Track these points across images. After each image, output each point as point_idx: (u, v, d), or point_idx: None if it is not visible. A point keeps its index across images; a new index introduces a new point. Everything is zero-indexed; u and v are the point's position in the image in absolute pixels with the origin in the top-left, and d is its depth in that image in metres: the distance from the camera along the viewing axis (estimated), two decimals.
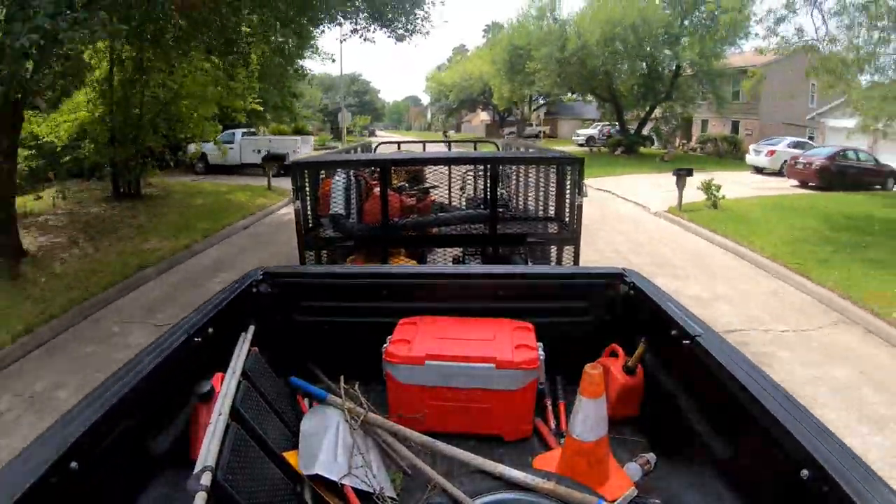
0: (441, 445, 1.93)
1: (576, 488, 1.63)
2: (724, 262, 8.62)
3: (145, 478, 1.69)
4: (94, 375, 4.44)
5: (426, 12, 13.08)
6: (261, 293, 2.53)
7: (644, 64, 23.62)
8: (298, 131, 21.17)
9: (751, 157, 20.87)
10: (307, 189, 4.26)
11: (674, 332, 2.02)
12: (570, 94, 31.20)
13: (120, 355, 4.69)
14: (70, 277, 7.02)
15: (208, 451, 1.52)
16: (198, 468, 1.46)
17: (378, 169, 4.29)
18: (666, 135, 28.11)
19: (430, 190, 5.00)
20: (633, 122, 27.68)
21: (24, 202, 9.93)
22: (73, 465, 1.34)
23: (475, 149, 9.35)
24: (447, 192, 5.31)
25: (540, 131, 38.09)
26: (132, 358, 1.78)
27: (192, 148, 15.07)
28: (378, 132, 46.98)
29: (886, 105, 10.67)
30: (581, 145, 26.27)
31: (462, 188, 5.72)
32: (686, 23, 20.19)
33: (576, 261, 4.16)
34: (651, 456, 1.99)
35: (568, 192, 4.27)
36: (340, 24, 13.48)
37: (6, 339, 5.18)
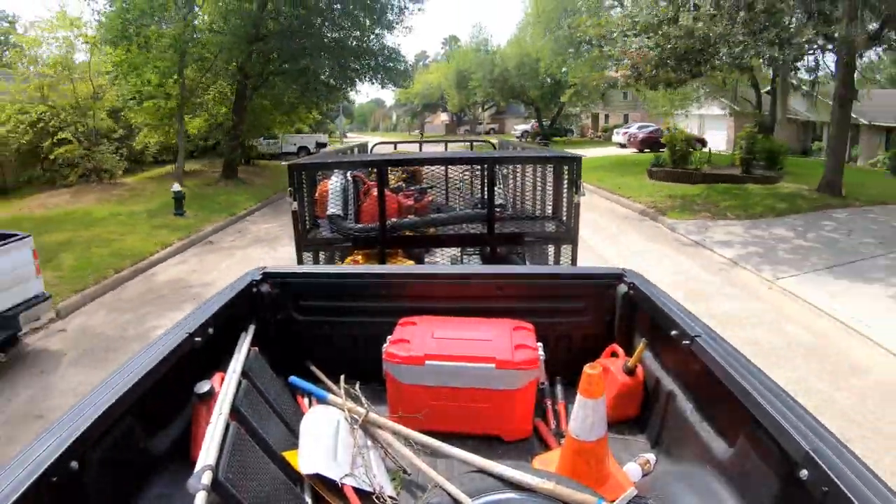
0: (441, 445, 1.93)
1: (576, 488, 1.64)
2: None
3: (146, 477, 1.68)
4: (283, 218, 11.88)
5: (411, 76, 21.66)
6: (261, 293, 2.53)
7: (549, 79, 33.35)
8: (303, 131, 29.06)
9: (616, 137, 31.78)
10: (304, 190, 4.26)
11: (673, 333, 2.02)
12: (502, 102, 42.53)
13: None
14: (255, 189, 17.50)
15: (209, 450, 1.52)
16: (198, 467, 1.46)
17: (375, 169, 4.29)
18: (578, 126, 43.87)
19: (428, 190, 5.00)
20: (564, 119, 40.37)
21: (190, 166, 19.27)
22: (74, 464, 1.34)
23: (471, 148, 9.36)
24: (444, 192, 5.31)
25: (490, 128, 50.12)
26: (132, 357, 1.78)
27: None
28: (347, 134, 51.42)
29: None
30: (518, 138, 33.46)
31: (459, 188, 5.72)
32: (572, 50, 28.27)
33: (574, 260, 4.17)
34: (651, 456, 2.00)
35: (565, 190, 4.27)
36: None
37: (256, 204, 15.41)
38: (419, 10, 22.07)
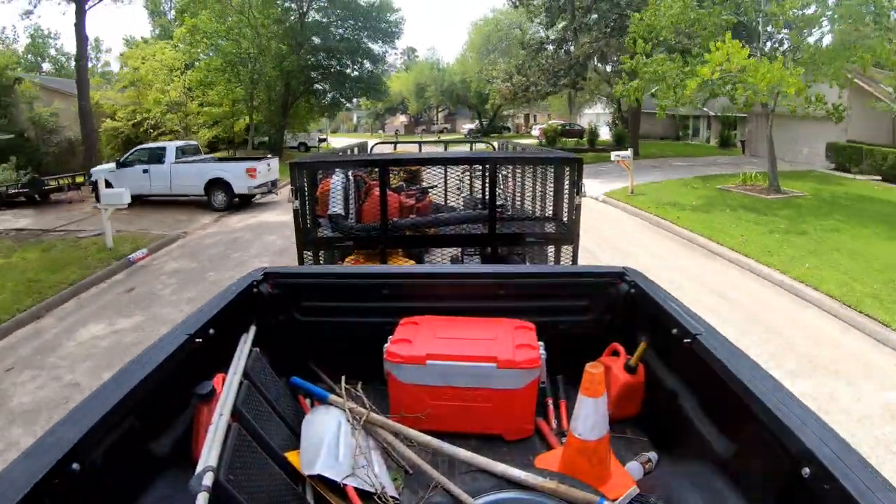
0: (443, 445, 1.93)
1: (578, 487, 1.64)
2: None
3: (147, 478, 1.68)
4: None
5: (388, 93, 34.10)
6: (262, 293, 2.52)
7: (480, 92, 41.73)
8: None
9: (533, 132, 40.73)
10: (306, 189, 4.25)
11: (675, 331, 2.02)
12: (452, 107, 53.68)
13: None
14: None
15: (210, 451, 1.52)
16: (199, 469, 1.46)
17: (376, 169, 4.29)
18: (514, 124, 52.82)
19: (429, 190, 5.00)
20: (500, 119, 49.30)
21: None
22: (75, 466, 1.34)
23: (471, 149, 9.36)
24: (444, 192, 5.31)
25: (443, 128, 58.11)
26: (133, 359, 1.78)
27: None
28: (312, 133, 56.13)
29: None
30: (465, 135, 38.88)
31: (459, 188, 5.72)
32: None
33: (574, 260, 4.17)
34: (653, 455, 2.00)
35: (566, 191, 4.27)
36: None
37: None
38: (393, 51, 32.20)
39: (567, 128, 35.52)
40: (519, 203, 5.57)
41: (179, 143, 16.23)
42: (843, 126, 18.91)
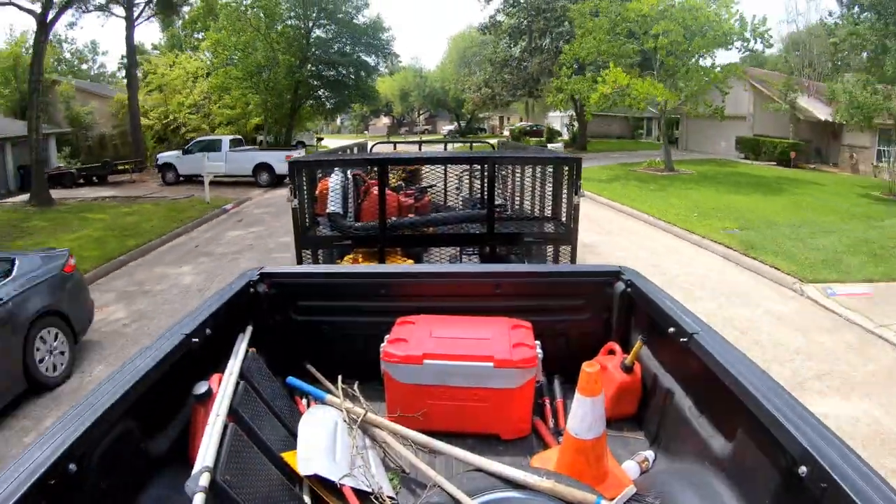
0: (440, 444, 1.93)
1: (574, 486, 1.64)
2: None
3: (144, 479, 1.68)
4: None
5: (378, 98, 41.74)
6: (258, 293, 2.52)
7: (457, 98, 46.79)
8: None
9: (505, 132, 42.83)
10: (304, 188, 4.25)
11: (671, 330, 2.02)
12: (433, 110, 58.38)
13: None
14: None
15: (207, 452, 1.52)
16: (196, 469, 1.46)
17: (375, 168, 4.29)
18: (489, 126, 55.36)
19: (427, 189, 5.00)
20: (476, 121, 53.05)
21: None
22: (72, 467, 1.33)
23: (471, 148, 9.36)
24: (444, 191, 5.31)
25: (425, 129, 61.40)
26: (129, 359, 1.78)
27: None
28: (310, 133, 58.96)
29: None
30: (445, 136, 39.98)
31: (458, 188, 5.72)
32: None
33: (572, 260, 4.17)
34: (649, 454, 2.00)
35: (564, 191, 4.27)
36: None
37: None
38: (384, 63, 34.96)
39: (530, 128, 39.78)
40: (517, 203, 5.58)
41: (230, 136, 21.21)
42: (750, 123, 24.74)
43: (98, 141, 25.97)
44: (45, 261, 5.49)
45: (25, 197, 15.89)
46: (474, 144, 10.40)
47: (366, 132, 62.57)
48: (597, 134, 35.39)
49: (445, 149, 9.71)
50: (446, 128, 55.60)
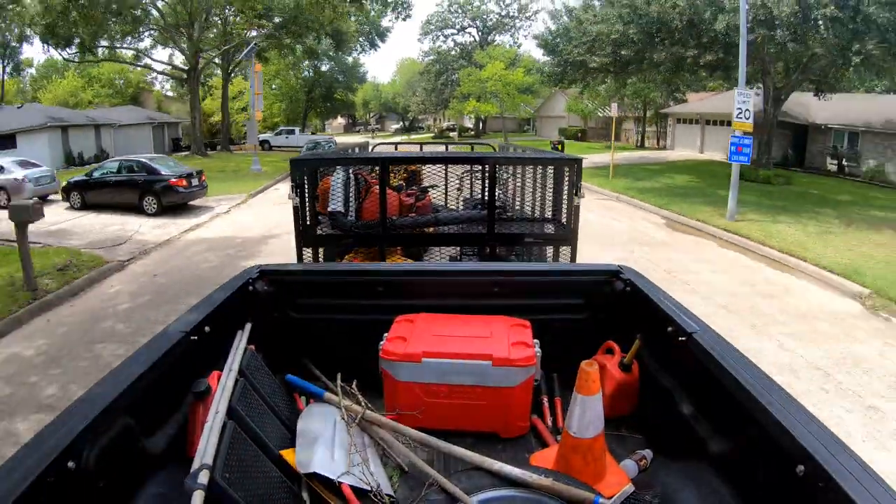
0: (438, 443, 1.94)
1: (573, 485, 1.64)
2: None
3: (143, 476, 1.68)
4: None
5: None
6: (257, 291, 2.52)
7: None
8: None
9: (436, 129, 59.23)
10: (306, 186, 4.24)
11: (669, 329, 2.02)
12: (384, 112, 71.80)
13: None
14: None
15: (205, 449, 1.52)
16: (195, 466, 1.46)
17: (377, 167, 4.28)
18: (426, 126, 66.35)
19: (429, 189, 4.99)
20: (417, 121, 66.05)
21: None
22: (71, 464, 1.34)
23: (472, 149, 9.36)
24: (445, 192, 5.30)
25: (376, 127, 71.18)
26: (128, 356, 1.78)
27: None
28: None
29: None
30: (391, 133, 55.50)
31: (459, 188, 5.71)
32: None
33: (572, 261, 4.16)
34: (647, 452, 2.00)
35: (565, 192, 4.26)
36: None
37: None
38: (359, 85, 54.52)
39: (449, 127, 54.04)
40: (518, 203, 5.57)
41: (295, 127, 39.95)
42: (567, 119, 40.93)
43: (181, 132, 37.42)
44: None
45: (182, 154, 29.57)
46: (475, 146, 10.43)
47: (325, 130, 72.86)
48: (495, 129, 46.49)
49: (447, 149, 9.72)
50: (393, 127, 71.93)
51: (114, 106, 36.41)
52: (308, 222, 4.27)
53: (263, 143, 35.05)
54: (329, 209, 4.31)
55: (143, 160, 14.59)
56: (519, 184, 5.61)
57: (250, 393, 1.96)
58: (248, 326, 2.35)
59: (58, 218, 12.94)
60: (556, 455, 1.94)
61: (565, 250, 4.23)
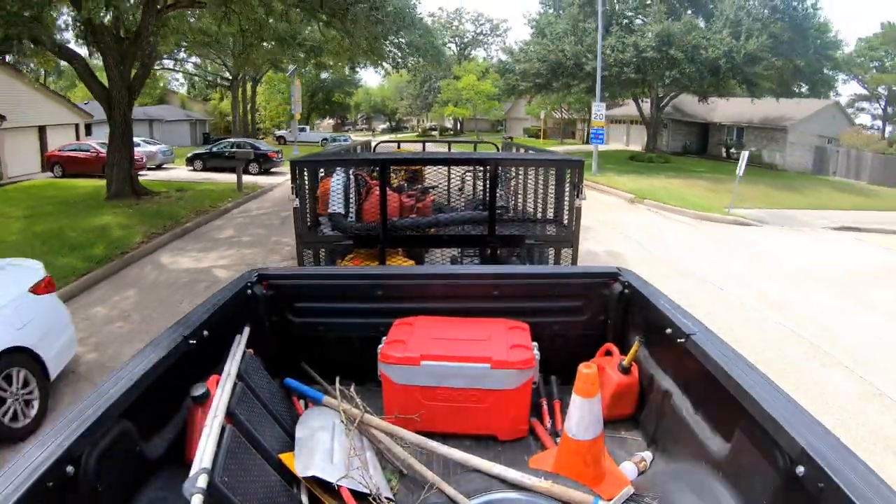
0: (437, 446, 1.93)
1: (572, 487, 1.64)
2: None
3: (141, 481, 1.68)
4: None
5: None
6: (255, 295, 2.52)
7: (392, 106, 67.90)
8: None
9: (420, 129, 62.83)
10: (306, 187, 4.24)
11: (668, 331, 2.02)
12: (371, 113, 74.09)
13: None
14: None
15: (204, 453, 1.52)
16: (194, 471, 1.46)
17: (377, 168, 4.27)
18: (410, 126, 69.56)
19: (429, 190, 4.99)
20: (403, 121, 68.73)
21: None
22: (70, 469, 1.34)
23: (475, 149, 9.34)
24: (448, 192, 5.29)
25: (363, 126, 73.96)
26: (127, 361, 1.78)
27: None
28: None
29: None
30: (378, 132, 58.24)
31: (461, 189, 5.70)
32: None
33: (573, 263, 4.16)
34: (647, 454, 2.00)
35: (567, 194, 4.26)
36: None
37: None
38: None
39: (431, 127, 57.85)
40: (519, 205, 5.57)
41: (306, 126, 43.32)
42: (528, 120, 48.97)
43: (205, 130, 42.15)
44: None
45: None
46: (478, 146, 10.39)
47: (316, 129, 79.53)
48: (471, 129, 53.09)
49: (449, 149, 9.69)
50: (381, 127, 75.62)
51: (143, 105, 38.58)
52: (308, 224, 4.26)
53: (280, 138, 41.03)
54: (329, 211, 4.31)
55: (249, 141, 24.58)
56: (520, 184, 5.61)
57: (249, 397, 1.96)
58: (247, 330, 2.35)
59: (195, 176, 20.31)
60: (555, 457, 1.94)
61: (566, 252, 4.22)
